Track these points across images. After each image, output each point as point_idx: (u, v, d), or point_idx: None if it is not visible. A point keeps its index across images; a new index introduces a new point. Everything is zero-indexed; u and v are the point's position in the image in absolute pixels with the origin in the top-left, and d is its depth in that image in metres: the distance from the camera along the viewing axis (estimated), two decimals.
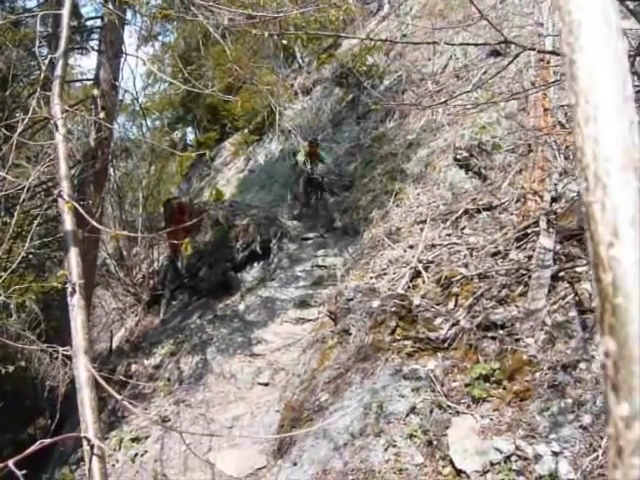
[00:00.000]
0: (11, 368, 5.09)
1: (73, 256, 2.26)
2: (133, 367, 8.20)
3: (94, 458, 1.81)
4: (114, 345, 10.06)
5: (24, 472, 1.59)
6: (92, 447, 1.83)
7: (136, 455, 6.35)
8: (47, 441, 1.95)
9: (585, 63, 0.61)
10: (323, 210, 10.75)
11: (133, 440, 6.58)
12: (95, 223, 2.98)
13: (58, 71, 2.85)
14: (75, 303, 2.15)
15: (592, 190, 0.59)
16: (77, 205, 2.38)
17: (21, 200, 4.85)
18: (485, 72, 8.86)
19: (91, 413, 1.92)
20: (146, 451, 6.34)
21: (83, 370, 1.99)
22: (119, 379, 7.87)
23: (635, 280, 0.56)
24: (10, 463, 1.64)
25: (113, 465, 6.33)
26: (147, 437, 6.52)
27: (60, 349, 2.10)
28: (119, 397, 2.39)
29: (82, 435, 1.85)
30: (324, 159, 10.82)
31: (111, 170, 9.52)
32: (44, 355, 7.53)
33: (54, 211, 8.46)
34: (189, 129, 22.23)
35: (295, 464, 4.98)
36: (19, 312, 7.83)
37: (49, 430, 8.66)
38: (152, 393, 7.38)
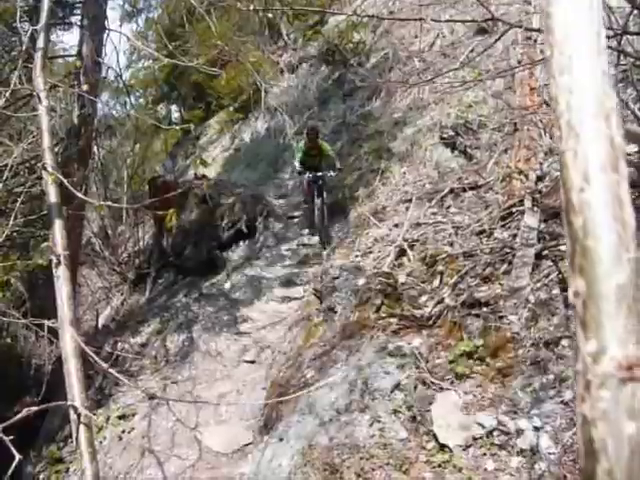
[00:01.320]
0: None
1: (58, 228, 2.25)
2: (119, 345, 8.20)
3: (81, 427, 1.83)
4: (100, 324, 10.04)
5: (11, 438, 1.59)
6: (79, 416, 1.84)
7: (123, 432, 6.38)
8: (34, 409, 1.96)
9: (560, 16, 0.63)
10: (320, 223, 8.83)
11: (120, 417, 6.60)
12: (80, 195, 2.96)
13: (40, 43, 2.80)
14: (60, 274, 2.15)
15: (565, 139, 0.62)
16: (61, 177, 2.35)
17: (4, 178, 4.77)
18: (472, 50, 8.83)
19: (78, 382, 1.93)
20: (133, 428, 6.37)
21: (69, 341, 2.00)
22: (106, 357, 7.89)
23: (604, 222, 0.59)
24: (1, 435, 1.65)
25: (101, 442, 6.35)
26: (134, 414, 6.55)
27: (46, 322, 2.10)
28: (105, 365, 2.40)
29: (69, 404, 1.86)
30: (328, 152, 9.02)
31: (95, 148, 9.41)
32: (30, 333, 7.52)
33: (38, 189, 8.37)
34: (174, 107, 21.97)
35: (281, 439, 5.04)
36: (3, 290, 7.77)
37: (35, 413, 8.68)
38: (139, 371, 7.40)
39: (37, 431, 7.61)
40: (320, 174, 9.02)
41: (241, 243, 9.58)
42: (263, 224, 9.62)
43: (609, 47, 5.86)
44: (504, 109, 7.59)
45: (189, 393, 6.49)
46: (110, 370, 2.61)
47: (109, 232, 11.92)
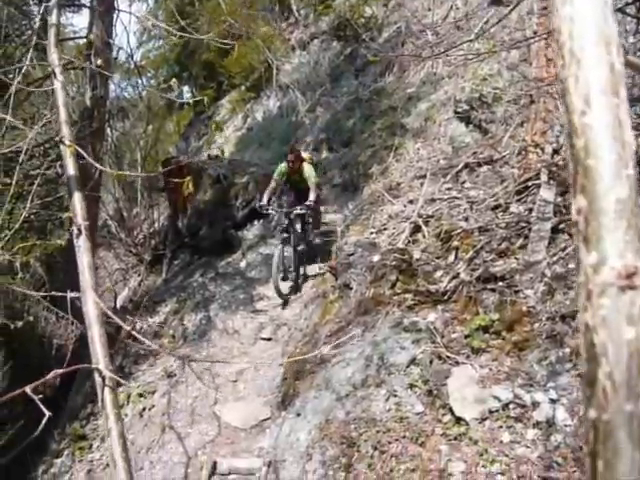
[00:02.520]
0: (20, 323, 5.17)
1: (77, 200, 2.28)
2: (138, 325, 8.30)
3: (106, 389, 1.87)
4: (118, 305, 10.16)
5: (40, 397, 1.64)
6: (104, 379, 1.89)
7: (144, 409, 6.49)
8: (60, 371, 2.01)
9: None
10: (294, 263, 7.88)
11: (140, 395, 6.71)
12: (98, 165, 2.99)
13: (53, 19, 2.81)
14: (81, 244, 2.19)
15: (567, 66, 0.65)
16: (79, 149, 2.38)
17: (20, 161, 4.81)
18: (486, 21, 8.66)
19: (101, 347, 1.98)
20: (153, 405, 6.48)
21: (92, 307, 2.05)
22: (125, 337, 8.01)
23: (605, 143, 0.61)
24: (27, 389, 1.69)
25: (122, 419, 6.48)
26: (154, 392, 6.66)
27: (68, 293, 2.13)
28: (128, 328, 2.45)
29: (93, 367, 1.91)
30: (311, 177, 7.72)
31: (108, 130, 9.44)
32: (50, 315, 7.64)
33: (53, 172, 8.44)
34: (185, 87, 21.91)
35: (299, 415, 5.11)
36: (23, 272, 7.88)
37: (58, 388, 8.86)
38: (157, 350, 7.50)
39: (60, 410, 7.78)
40: (291, 209, 7.89)
41: (255, 222, 9.61)
42: (277, 203, 9.63)
43: (628, 14, 5.73)
44: (520, 81, 7.47)
45: (207, 370, 6.57)
46: (133, 332, 2.66)
47: (124, 214, 12.00)
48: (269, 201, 7.86)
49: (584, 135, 0.63)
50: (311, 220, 8.40)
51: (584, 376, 0.64)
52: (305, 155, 8.24)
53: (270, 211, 8.05)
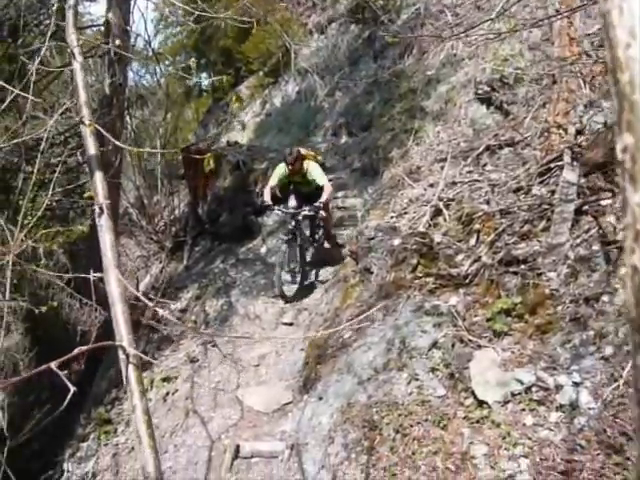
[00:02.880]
0: (44, 308, 5.27)
1: (98, 179, 2.30)
2: (160, 311, 8.39)
3: (130, 366, 1.90)
4: (140, 291, 10.27)
5: (65, 372, 1.66)
6: (128, 356, 1.91)
7: (167, 394, 6.58)
8: (84, 348, 2.04)
9: None
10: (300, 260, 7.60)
11: (164, 380, 6.80)
12: (117, 142, 3.01)
13: (70, 1, 2.81)
14: (103, 223, 2.21)
15: None
16: (99, 127, 2.39)
17: (40, 149, 4.87)
18: (507, 0, 8.50)
19: (125, 324, 2.01)
20: (177, 390, 6.56)
21: (115, 286, 2.07)
22: (148, 323, 8.12)
23: None
24: (53, 365, 1.72)
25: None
26: (177, 377, 6.74)
27: (92, 274, 2.15)
28: (151, 304, 2.49)
29: (117, 344, 1.93)
30: (318, 177, 7.29)
31: (127, 118, 9.49)
32: (74, 301, 7.75)
33: (74, 161, 8.53)
34: (203, 74, 21.92)
35: (320, 398, 5.14)
36: (47, 260, 8.00)
37: (83, 374, 9.02)
38: (180, 335, 7.59)
39: (85, 396, 7.92)
40: (299, 210, 7.37)
41: (275, 207, 9.61)
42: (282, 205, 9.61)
43: None
44: (542, 61, 7.33)
45: (229, 355, 6.63)
46: (157, 309, 2.70)
47: (145, 202, 12.10)
48: (273, 200, 7.28)
49: (629, 69, 0.60)
50: (322, 224, 7.84)
51: (632, 322, 0.61)
52: (307, 152, 7.61)
53: (276, 211, 7.50)
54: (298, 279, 7.54)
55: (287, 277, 7.51)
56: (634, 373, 0.62)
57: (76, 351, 1.93)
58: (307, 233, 7.65)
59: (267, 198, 7.23)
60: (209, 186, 10.15)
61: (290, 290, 7.57)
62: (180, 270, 10.15)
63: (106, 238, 2.17)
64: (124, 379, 1.92)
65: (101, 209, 2.22)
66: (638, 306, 0.60)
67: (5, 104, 3.75)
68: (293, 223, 7.29)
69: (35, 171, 4.44)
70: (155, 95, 14.33)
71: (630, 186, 0.59)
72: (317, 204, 7.10)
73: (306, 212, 7.23)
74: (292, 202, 7.55)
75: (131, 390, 1.84)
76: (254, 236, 9.19)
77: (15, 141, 3.91)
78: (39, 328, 7.82)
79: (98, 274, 2.13)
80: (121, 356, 1.91)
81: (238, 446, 5.37)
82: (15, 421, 8.56)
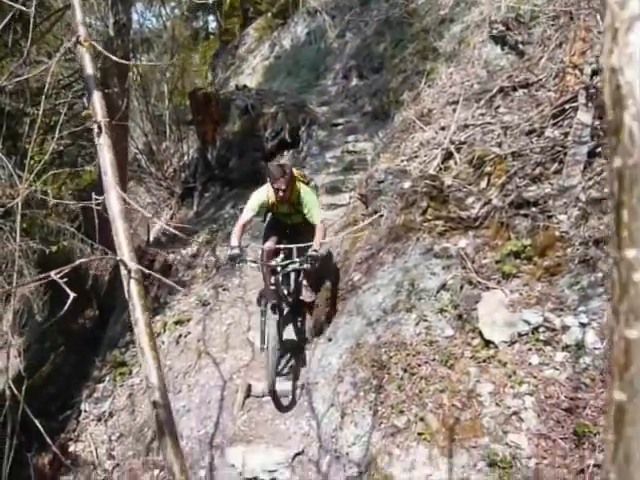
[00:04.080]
0: (54, 248, 5.33)
1: (96, 97, 2.28)
2: (171, 257, 8.47)
3: (132, 281, 1.92)
4: (151, 238, 10.35)
5: (65, 280, 1.69)
6: (129, 271, 1.93)
7: (180, 336, 6.70)
8: (84, 260, 2.09)
9: None
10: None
11: (176, 323, 6.92)
12: (115, 59, 2.99)
13: None
14: (102, 142, 2.20)
15: None
16: (96, 45, 2.36)
17: (45, 92, 4.81)
18: None
19: (125, 240, 2.02)
20: (189, 332, 6.68)
21: (115, 203, 2.07)
22: (159, 268, 8.21)
23: None
24: (52, 274, 1.75)
25: (159, 347, 6.73)
26: (189, 320, 6.86)
27: (94, 198, 2.15)
28: (151, 215, 2.48)
29: (118, 259, 1.95)
30: (312, 210, 5.16)
31: (133, 61, 9.34)
32: (85, 246, 7.81)
33: (80, 106, 8.46)
34: (210, 17, 21.39)
35: (330, 340, 5.22)
36: (57, 207, 8.05)
37: (97, 320, 9.22)
38: (191, 280, 7.67)
39: (100, 340, 8.11)
40: (286, 262, 5.22)
41: (285, 152, 9.52)
42: (307, 132, 9.49)
43: None
44: None
45: (240, 299, 6.71)
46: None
47: (154, 148, 12.06)
48: (240, 246, 5.07)
49: None
50: (306, 277, 5.68)
51: (609, 125, 0.62)
52: (298, 173, 5.55)
53: (250, 264, 5.44)
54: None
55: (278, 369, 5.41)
56: (609, 177, 0.62)
57: (77, 262, 1.96)
58: (284, 291, 5.36)
59: (235, 242, 5.00)
60: (218, 131, 10.05)
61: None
62: (190, 216, 10.18)
63: (105, 157, 2.16)
64: (126, 294, 1.95)
65: (99, 128, 2.20)
66: (615, 107, 0.61)
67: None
68: (273, 280, 5.15)
69: (40, 113, 4.39)
70: (161, 38, 14.06)
71: None
72: (313, 253, 4.96)
73: (296, 265, 5.16)
74: (270, 243, 5.52)
75: (133, 304, 1.87)
76: (264, 181, 9.13)
77: (17, 79, 3.86)
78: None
79: (102, 197, 2.12)
80: (123, 271, 1.93)
81: (250, 385, 5.50)
82: (33, 365, 8.83)
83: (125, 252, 1.96)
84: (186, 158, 11.84)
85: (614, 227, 0.58)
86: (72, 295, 1.58)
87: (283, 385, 5.28)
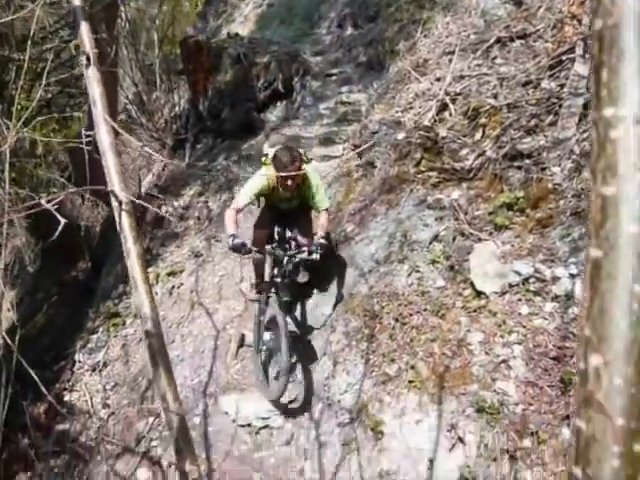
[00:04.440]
0: (44, 196, 5.28)
1: (84, 29, 2.24)
2: (163, 209, 8.42)
3: (123, 213, 1.92)
4: (143, 190, 10.27)
5: (56, 207, 1.68)
6: (120, 203, 1.93)
7: (173, 287, 6.74)
8: (72, 190, 2.09)
9: None
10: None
11: (169, 274, 6.95)
12: None
13: None
14: (91, 74, 2.16)
15: None
16: None
17: (31, 35, 4.68)
18: None
19: (116, 173, 2.01)
20: (182, 284, 6.71)
21: (105, 136, 2.05)
22: (152, 220, 8.18)
23: None
24: (43, 201, 1.75)
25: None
26: (182, 271, 6.88)
27: (84, 133, 2.12)
28: (139, 143, 2.49)
29: (109, 190, 1.95)
30: (317, 195, 4.81)
31: (122, 7, 9.06)
32: (75, 197, 7.77)
33: (67, 54, 8.25)
34: None
35: (323, 290, 5.26)
36: (46, 158, 7.95)
37: (90, 272, 9.22)
38: (184, 231, 7.66)
39: (93, 291, 8.13)
40: (293, 252, 4.77)
41: (278, 103, 9.35)
42: (300, 83, 9.29)
43: None
44: None
45: None
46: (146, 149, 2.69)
47: (144, 98, 11.81)
48: (236, 234, 4.53)
49: None
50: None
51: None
52: (303, 153, 5.04)
53: (254, 254, 4.77)
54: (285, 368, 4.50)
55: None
56: (591, 37, 0.64)
57: (68, 191, 1.96)
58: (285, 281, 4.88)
59: (232, 229, 4.55)
60: (209, 81, 9.84)
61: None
62: (182, 168, 10.07)
63: (94, 89, 2.11)
64: (117, 226, 1.94)
65: (88, 59, 2.16)
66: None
67: None
68: (276, 271, 4.84)
69: (27, 59, 4.28)
70: None
71: None
72: (322, 241, 4.62)
73: (304, 256, 4.66)
74: (267, 224, 5.13)
75: (125, 236, 1.87)
76: (256, 132, 9.02)
77: (1, 21, 3.74)
78: (41, 225, 7.86)
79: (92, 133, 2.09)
80: (114, 203, 1.92)
81: (243, 335, 5.57)
82: (26, 317, 8.87)
83: (116, 184, 1.94)
84: (177, 109, 11.61)
85: (594, 88, 0.59)
86: (63, 221, 1.57)
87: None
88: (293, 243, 4.99)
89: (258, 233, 5.02)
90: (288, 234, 5.09)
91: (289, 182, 4.57)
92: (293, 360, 4.83)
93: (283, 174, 4.52)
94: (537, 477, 3.47)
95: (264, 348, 4.93)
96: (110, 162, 1.97)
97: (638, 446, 0.58)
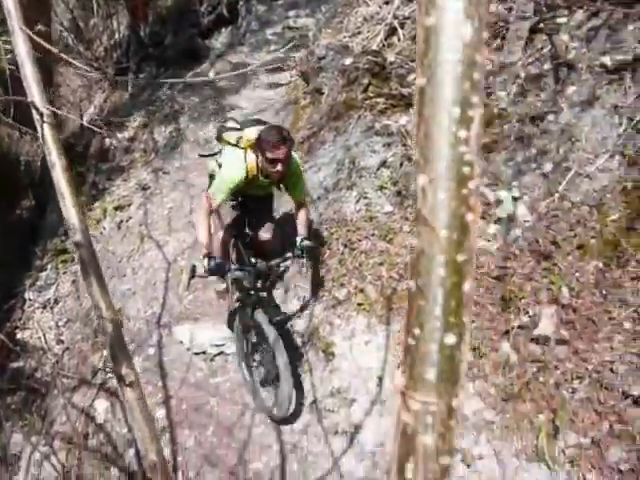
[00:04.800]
0: None
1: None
2: (107, 142, 8.15)
3: (45, 126, 1.86)
4: (85, 122, 9.86)
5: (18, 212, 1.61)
6: (42, 115, 1.86)
7: (121, 221, 6.63)
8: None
9: None
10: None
11: (116, 208, 6.81)
12: None
13: None
14: None
15: None
16: None
17: None
18: None
19: (35, 84, 1.92)
20: (130, 217, 6.61)
21: (22, 45, 1.93)
22: (95, 153, 7.93)
23: None
24: None
25: (101, 233, 6.64)
26: (129, 205, 6.75)
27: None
28: (81, 65, 2.38)
29: (29, 101, 1.87)
30: (298, 186, 4.04)
31: None
32: (13, 131, 7.40)
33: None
34: None
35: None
36: None
37: (34, 209, 8.92)
38: (130, 164, 7.47)
39: (38, 229, 7.91)
40: (277, 262, 4.00)
41: (223, 29, 9.03)
42: (245, 7, 8.96)
43: None
44: None
45: (182, 182, 6.62)
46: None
47: (81, 25, 11.16)
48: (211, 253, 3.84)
49: None
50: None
51: None
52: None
53: (236, 272, 3.95)
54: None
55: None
56: None
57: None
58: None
59: (205, 241, 3.79)
60: (149, 5, 9.36)
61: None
62: (125, 99, 9.69)
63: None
64: (40, 138, 1.89)
65: None
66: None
67: None
68: (259, 286, 4.15)
69: None
70: None
71: None
72: (307, 243, 3.91)
73: (289, 263, 4.28)
74: (237, 216, 4.44)
75: (48, 149, 1.82)
76: (201, 60, 8.71)
77: None
78: None
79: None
80: (35, 116, 1.85)
81: (194, 266, 5.54)
82: None
83: (35, 94, 1.85)
84: (117, 36, 11.03)
85: None
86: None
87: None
88: (267, 247, 4.37)
89: (224, 236, 4.31)
90: (262, 237, 4.38)
91: (279, 167, 3.65)
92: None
93: (272, 156, 3.59)
94: (478, 388, 3.68)
95: (255, 365, 4.36)
96: (28, 72, 1.86)
97: (460, 256, 0.67)
